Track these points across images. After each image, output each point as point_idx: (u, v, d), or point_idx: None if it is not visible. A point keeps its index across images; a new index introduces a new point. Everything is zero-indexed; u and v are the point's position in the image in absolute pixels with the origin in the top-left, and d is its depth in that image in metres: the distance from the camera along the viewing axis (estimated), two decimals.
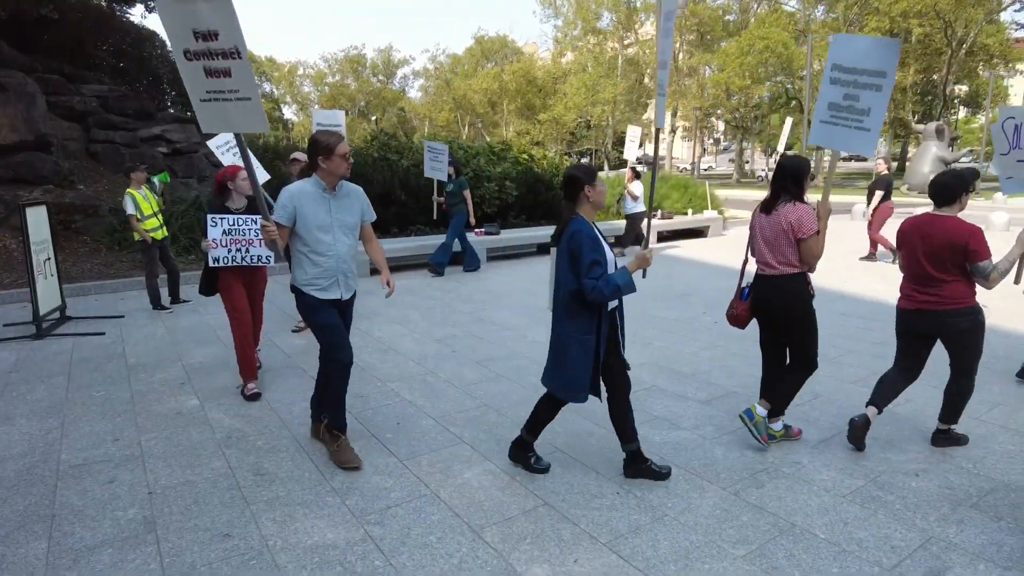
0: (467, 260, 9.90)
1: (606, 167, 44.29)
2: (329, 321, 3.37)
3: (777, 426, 3.62)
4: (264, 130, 3.06)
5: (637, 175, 11.23)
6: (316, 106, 56.46)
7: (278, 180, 12.03)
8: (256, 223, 4.38)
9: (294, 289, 3.42)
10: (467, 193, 9.64)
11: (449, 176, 9.54)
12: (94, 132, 13.48)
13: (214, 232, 4.36)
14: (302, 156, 6.36)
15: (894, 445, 3.61)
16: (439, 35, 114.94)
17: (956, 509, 2.94)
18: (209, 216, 4.37)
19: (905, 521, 2.85)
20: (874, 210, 9.68)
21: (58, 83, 13.10)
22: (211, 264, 4.38)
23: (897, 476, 3.25)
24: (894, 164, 41.18)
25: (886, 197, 9.60)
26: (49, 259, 6.73)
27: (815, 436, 3.74)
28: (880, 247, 9.82)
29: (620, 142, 50.10)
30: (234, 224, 4.41)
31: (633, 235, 11.23)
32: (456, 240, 9.64)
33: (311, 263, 3.33)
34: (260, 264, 4.54)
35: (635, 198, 11.15)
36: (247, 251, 4.44)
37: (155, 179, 7.52)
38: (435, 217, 9.99)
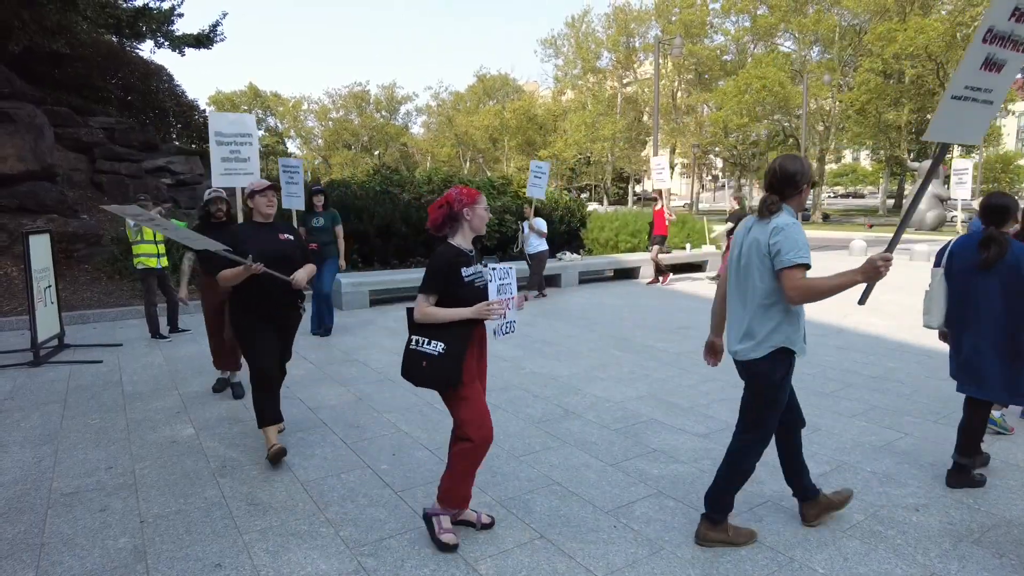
0: (314, 320, 7.41)
1: (605, 202, 44.72)
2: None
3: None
4: (976, 141, 2.64)
5: (536, 210, 10.26)
6: (319, 140, 57.16)
7: (279, 212, 12.16)
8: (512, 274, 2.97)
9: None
10: (339, 229, 7.44)
11: (313, 207, 7.30)
12: (100, 163, 13.67)
13: (492, 290, 2.81)
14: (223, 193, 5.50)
15: (893, 479, 3.57)
16: (442, 72, 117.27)
17: (957, 545, 2.90)
18: (490, 267, 2.86)
19: (906, 557, 2.81)
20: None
21: (67, 115, 13.32)
22: (496, 337, 2.91)
23: (897, 511, 3.22)
24: (890, 201, 41.63)
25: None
26: (50, 287, 6.76)
27: (815, 470, 3.71)
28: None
29: (620, 178, 50.74)
30: (505, 277, 2.90)
31: (539, 279, 10.20)
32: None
33: None
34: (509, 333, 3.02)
35: (541, 235, 10.04)
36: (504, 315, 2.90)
37: (173, 222, 7.58)
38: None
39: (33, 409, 4.90)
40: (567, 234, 14.54)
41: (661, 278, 11.72)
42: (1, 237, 9.81)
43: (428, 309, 2.80)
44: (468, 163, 50.71)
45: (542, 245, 10.04)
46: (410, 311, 2.88)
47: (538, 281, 10.20)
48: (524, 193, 14.31)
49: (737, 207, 10.75)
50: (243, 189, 5.80)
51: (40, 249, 6.60)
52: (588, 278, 12.47)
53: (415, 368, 2.81)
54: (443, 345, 2.77)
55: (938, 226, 27.21)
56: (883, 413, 4.67)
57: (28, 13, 11.51)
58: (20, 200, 10.28)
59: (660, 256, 11.56)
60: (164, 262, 7.43)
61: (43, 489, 3.51)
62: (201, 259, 5.07)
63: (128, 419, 4.65)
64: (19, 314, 8.13)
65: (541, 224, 10.07)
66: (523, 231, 10.27)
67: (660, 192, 11.86)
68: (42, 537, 3.01)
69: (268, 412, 3.80)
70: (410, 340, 2.86)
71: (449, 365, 2.76)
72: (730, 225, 10.84)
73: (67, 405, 5.00)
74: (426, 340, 2.79)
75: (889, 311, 8.52)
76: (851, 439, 4.16)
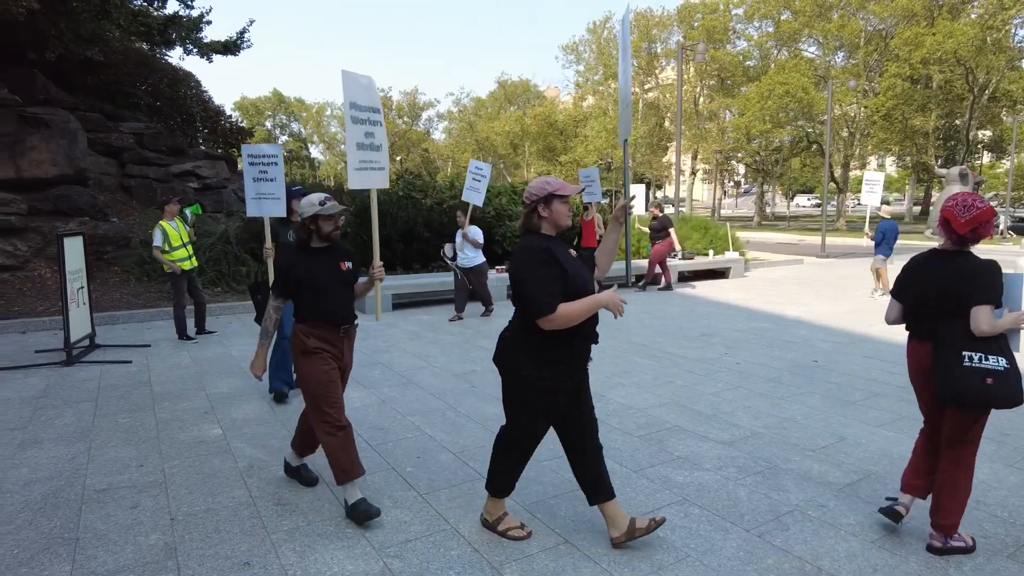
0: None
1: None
2: None
3: None
4: None
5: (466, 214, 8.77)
6: (342, 145, 57.80)
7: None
8: None
9: None
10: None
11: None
12: (129, 167, 13.98)
13: None
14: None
15: None
16: (464, 79, 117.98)
17: (992, 559, 2.84)
18: None
19: (937, 570, 2.76)
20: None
21: (98, 121, 13.65)
22: None
23: (928, 522, 3.16)
24: (916, 208, 40.94)
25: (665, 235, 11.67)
26: (82, 288, 6.91)
27: (841, 479, 3.67)
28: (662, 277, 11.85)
29: (641, 183, 50.52)
30: None
31: (467, 295, 8.92)
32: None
33: None
34: None
35: (477, 246, 8.72)
36: None
37: (188, 211, 7.74)
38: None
39: (66, 407, 5.01)
40: None
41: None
42: (36, 239, 10.06)
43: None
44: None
45: (479, 257, 8.83)
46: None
47: (465, 300, 8.95)
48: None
49: (660, 215, 11.92)
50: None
51: (74, 251, 6.76)
52: (610, 283, 12.44)
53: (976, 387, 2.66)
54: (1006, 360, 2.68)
55: None
56: (912, 423, 4.59)
57: (64, 22, 11.81)
58: (54, 203, 10.54)
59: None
60: (194, 262, 7.57)
61: (77, 485, 3.59)
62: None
63: (157, 419, 4.74)
64: (52, 314, 8.33)
65: (477, 233, 8.81)
66: (455, 241, 8.90)
67: (590, 204, 10.84)
68: (77, 532, 3.08)
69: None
70: (963, 357, 2.69)
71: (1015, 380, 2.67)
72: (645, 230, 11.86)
73: (98, 404, 5.10)
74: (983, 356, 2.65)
75: None
76: (878, 449, 4.10)
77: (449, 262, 8.98)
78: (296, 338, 3.21)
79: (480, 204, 8.90)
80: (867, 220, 11.05)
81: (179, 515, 3.25)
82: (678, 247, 12.08)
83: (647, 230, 12.28)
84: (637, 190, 13.45)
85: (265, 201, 5.38)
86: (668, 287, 11.87)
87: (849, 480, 3.66)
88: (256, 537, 3.03)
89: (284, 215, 5.32)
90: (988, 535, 3.05)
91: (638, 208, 12.59)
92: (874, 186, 12.76)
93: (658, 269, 11.86)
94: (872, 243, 10.89)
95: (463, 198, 8.91)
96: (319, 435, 3.17)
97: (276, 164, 5.41)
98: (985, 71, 28.74)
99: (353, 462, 3.16)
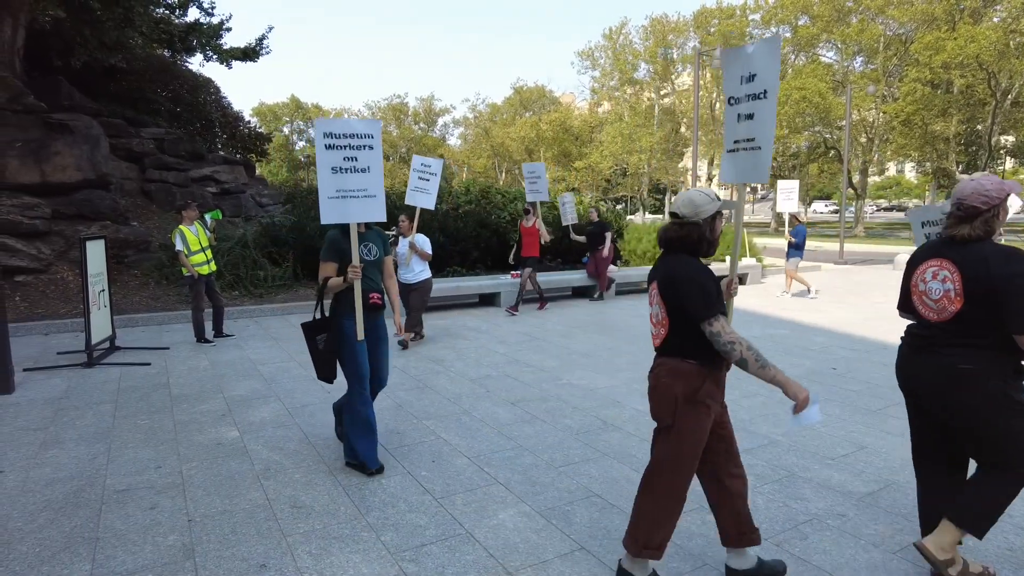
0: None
1: (642, 213, 44.42)
2: None
3: None
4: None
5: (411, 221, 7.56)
6: None
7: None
8: None
9: None
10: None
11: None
12: (149, 172, 14.20)
13: None
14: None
15: None
16: (479, 85, 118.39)
17: (1019, 572, 2.78)
18: None
19: None
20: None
21: (120, 126, 13.89)
22: None
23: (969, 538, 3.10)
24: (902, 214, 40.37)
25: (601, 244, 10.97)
26: (103, 291, 7.01)
27: (861, 488, 3.61)
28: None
29: (656, 189, 50.38)
30: None
31: (419, 316, 7.43)
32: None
33: None
34: None
35: (425, 258, 7.41)
36: None
37: (208, 216, 7.83)
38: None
39: (87, 408, 5.08)
40: None
41: (538, 305, 10.16)
42: (59, 243, 10.23)
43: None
44: (504, 174, 50.98)
45: (425, 272, 7.48)
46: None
47: (417, 319, 7.41)
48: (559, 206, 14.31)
49: (597, 218, 11.28)
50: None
51: (95, 254, 6.86)
52: (626, 289, 12.39)
53: None
54: None
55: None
56: None
57: (89, 30, 12.05)
58: (77, 207, 10.72)
59: (533, 279, 9.81)
60: (213, 267, 7.65)
61: (97, 485, 3.63)
62: None
63: (175, 420, 4.79)
64: (74, 317, 8.46)
65: (424, 242, 7.40)
66: (400, 250, 7.49)
67: (534, 205, 9.98)
68: (97, 531, 3.11)
69: None
70: None
71: None
72: (582, 238, 11.18)
73: (118, 405, 5.17)
74: None
75: None
76: (900, 458, 4.04)
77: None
78: (686, 379, 2.49)
79: (431, 207, 7.69)
80: (786, 224, 11.17)
81: (196, 516, 3.28)
82: (607, 252, 10.99)
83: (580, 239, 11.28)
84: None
85: (353, 199, 3.71)
86: (601, 296, 11.22)
87: (869, 489, 3.60)
88: (272, 539, 3.05)
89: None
90: (1014, 548, 2.99)
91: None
92: (790, 193, 13.04)
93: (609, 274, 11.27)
94: (789, 246, 11.16)
95: (407, 200, 7.53)
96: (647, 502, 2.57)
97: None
98: (1008, 75, 28.32)
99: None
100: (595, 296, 11.25)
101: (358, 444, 3.80)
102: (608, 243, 10.94)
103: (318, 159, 3.62)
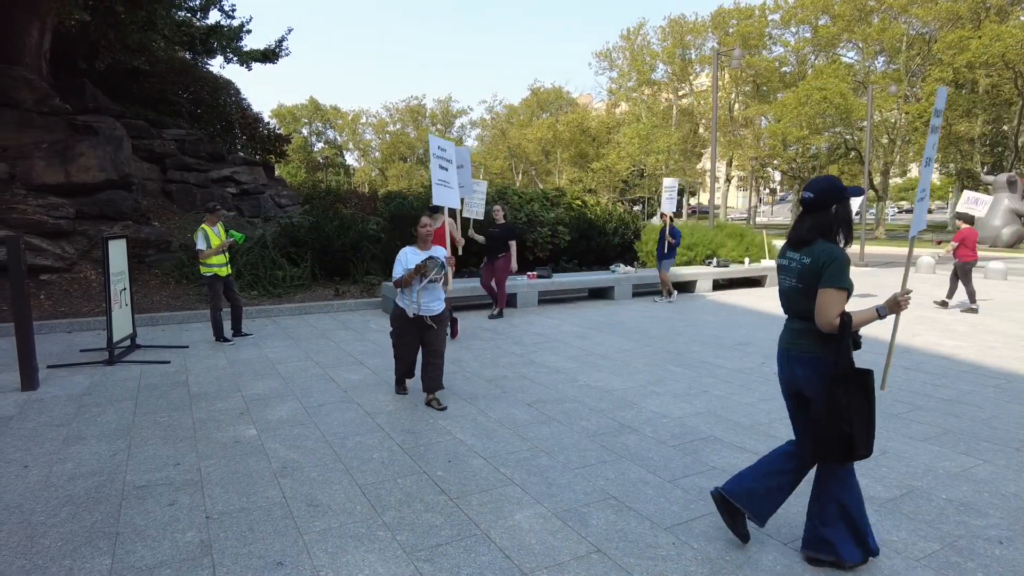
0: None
1: (659, 215, 44.15)
2: None
3: None
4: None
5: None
6: (377, 152, 58.76)
7: (338, 221, 12.46)
8: None
9: None
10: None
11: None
12: (170, 173, 14.39)
13: None
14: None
15: (972, 508, 3.38)
16: (497, 86, 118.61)
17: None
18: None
19: None
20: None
21: (142, 128, 14.09)
22: None
23: (978, 542, 3.04)
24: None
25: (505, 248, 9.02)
26: (125, 289, 7.11)
27: (883, 494, 3.55)
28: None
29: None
30: None
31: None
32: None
33: None
34: None
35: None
36: None
37: (233, 234, 7.79)
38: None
39: (108, 405, 5.15)
40: (620, 247, 14.45)
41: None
42: (82, 242, 10.40)
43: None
44: (521, 175, 50.99)
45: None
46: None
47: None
48: (577, 203, 14.28)
49: (502, 221, 9.11)
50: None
51: (117, 254, 6.95)
52: (642, 291, 12.32)
53: None
54: None
55: (1016, 243, 25.73)
56: (958, 438, 4.43)
57: (113, 33, 12.24)
58: (100, 207, 10.89)
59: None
60: (230, 269, 7.72)
61: (118, 481, 3.68)
62: None
63: (194, 418, 4.83)
64: (96, 315, 8.58)
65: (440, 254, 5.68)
66: (438, 256, 5.84)
67: (443, 209, 7.30)
68: (117, 527, 3.15)
69: None
70: None
71: None
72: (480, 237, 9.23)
73: (138, 403, 5.23)
74: None
75: (960, 331, 8.10)
76: (923, 464, 3.96)
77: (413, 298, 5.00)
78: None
79: (457, 205, 6.66)
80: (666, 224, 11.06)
81: (214, 513, 3.30)
82: (515, 266, 9.09)
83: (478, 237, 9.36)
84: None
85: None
86: (500, 314, 9.40)
87: (891, 495, 3.54)
88: (289, 537, 3.06)
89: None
90: None
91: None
92: (672, 193, 12.87)
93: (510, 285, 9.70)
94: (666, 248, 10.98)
95: (434, 200, 6.38)
96: None
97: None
98: None
99: None
100: (494, 312, 9.37)
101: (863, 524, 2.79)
102: (513, 253, 8.97)
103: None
